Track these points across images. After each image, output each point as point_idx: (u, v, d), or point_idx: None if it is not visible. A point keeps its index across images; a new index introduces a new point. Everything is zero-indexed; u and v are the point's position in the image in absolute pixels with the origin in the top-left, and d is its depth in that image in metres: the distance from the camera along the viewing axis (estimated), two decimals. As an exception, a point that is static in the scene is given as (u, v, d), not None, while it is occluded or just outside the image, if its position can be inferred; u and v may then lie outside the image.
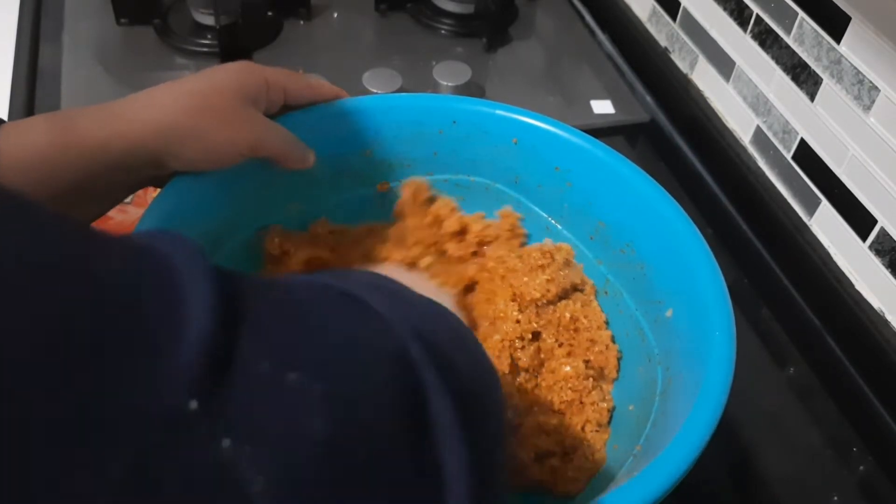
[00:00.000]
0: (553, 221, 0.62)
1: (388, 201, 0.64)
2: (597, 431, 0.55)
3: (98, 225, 0.64)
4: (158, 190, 0.66)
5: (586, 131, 0.59)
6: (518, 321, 0.56)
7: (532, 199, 0.62)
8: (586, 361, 0.56)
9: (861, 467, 0.62)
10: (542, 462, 0.52)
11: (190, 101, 0.48)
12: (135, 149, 0.46)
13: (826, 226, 0.69)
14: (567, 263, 0.61)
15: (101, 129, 0.46)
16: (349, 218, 0.63)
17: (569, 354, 0.56)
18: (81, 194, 0.46)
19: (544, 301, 0.57)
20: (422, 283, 0.56)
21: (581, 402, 0.55)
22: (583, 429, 0.55)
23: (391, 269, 0.57)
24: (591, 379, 0.55)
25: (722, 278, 0.50)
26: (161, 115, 0.47)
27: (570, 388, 0.55)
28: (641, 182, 0.57)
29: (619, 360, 0.58)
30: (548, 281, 0.57)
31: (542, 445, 0.53)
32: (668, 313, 0.53)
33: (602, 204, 0.59)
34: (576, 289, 0.60)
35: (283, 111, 0.56)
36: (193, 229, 0.53)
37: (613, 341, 0.58)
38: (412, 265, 0.60)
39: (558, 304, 0.58)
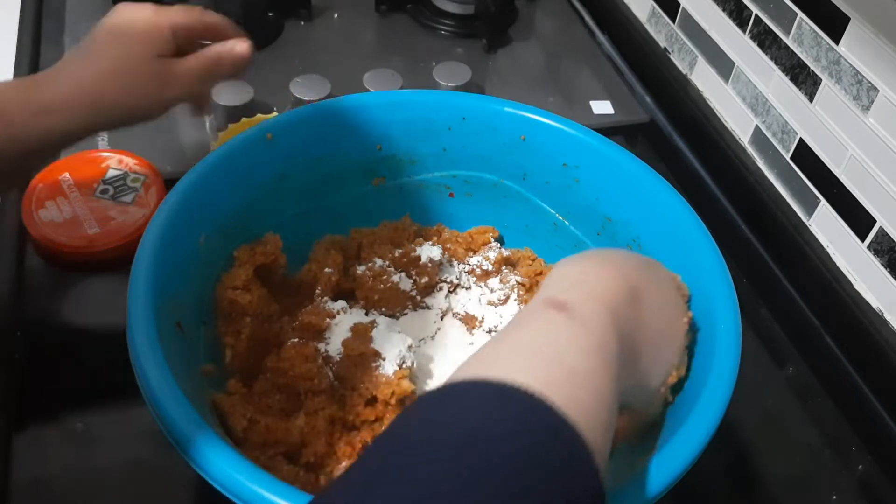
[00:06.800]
0: (560, 217, 0.63)
1: (383, 199, 0.64)
2: None
3: (100, 226, 0.65)
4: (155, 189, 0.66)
5: (586, 132, 0.59)
6: None
7: (539, 195, 0.63)
8: None
9: (860, 466, 0.62)
10: None
11: (110, 85, 0.52)
12: (65, 136, 0.51)
13: (825, 226, 0.69)
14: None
15: (35, 126, 0.49)
16: (350, 218, 0.64)
17: None
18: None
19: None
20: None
21: None
22: None
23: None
24: None
25: (727, 272, 0.51)
26: (87, 106, 0.51)
27: None
28: (648, 178, 0.57)
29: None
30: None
31: None
32: None
33: (609, 200, 0.59)
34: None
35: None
36: (204, 226, 0.53)
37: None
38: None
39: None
